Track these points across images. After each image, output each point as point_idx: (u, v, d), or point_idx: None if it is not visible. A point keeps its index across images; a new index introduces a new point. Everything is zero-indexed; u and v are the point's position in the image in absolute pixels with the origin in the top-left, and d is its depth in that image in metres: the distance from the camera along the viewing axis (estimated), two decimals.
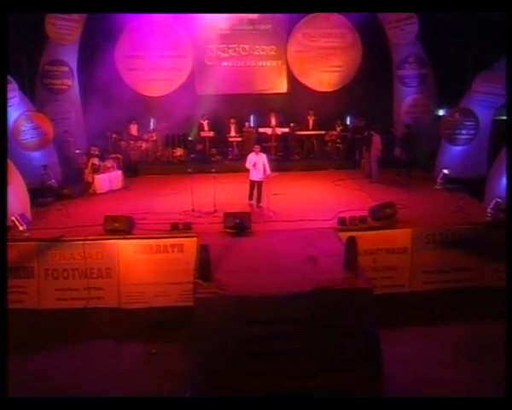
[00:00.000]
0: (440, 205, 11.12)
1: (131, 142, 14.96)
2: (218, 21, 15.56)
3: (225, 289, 7.24)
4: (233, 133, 15.39)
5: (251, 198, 11.08)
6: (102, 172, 12.70)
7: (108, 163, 12.96)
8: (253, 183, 10.99)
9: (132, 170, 14.24)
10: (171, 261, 9.35)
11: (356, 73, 16.29)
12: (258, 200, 11.01)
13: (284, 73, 16.58)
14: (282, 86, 16.65)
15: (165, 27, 15.69)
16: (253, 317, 7.05)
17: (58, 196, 11.72)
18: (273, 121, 15.31)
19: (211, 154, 15.10)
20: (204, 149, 15.15)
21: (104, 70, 14.42)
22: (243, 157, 13.46)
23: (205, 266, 7.56)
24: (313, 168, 14.71)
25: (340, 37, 16.32)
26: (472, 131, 13.23)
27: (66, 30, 14.07)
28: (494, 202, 10.13)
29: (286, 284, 7.38)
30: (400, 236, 9.69)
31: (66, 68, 14.50)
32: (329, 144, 15.48)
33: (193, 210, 10.77)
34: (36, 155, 12.87)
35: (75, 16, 13.98)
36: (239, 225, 9.47)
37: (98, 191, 12.41)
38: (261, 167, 10.80)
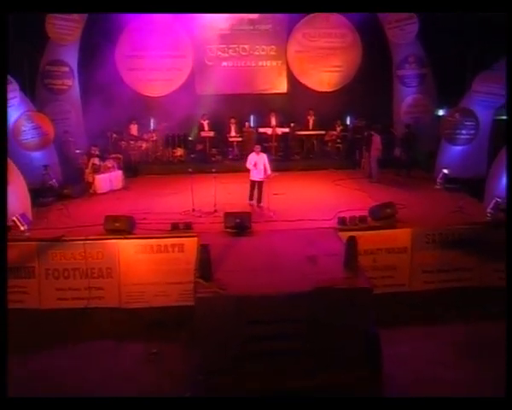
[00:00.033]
0: (440, 205, 11.13)
1: (132, 142, 14.97)
2: (218, 21, 15.57)
3: (226, 288, 7.25)
4: (233, 133, 15.41)
5: (251, 198, 11.09)
6: (103, 172, 12.72)
7: (109, 163, 12.97)
8: (253, 183, 11.01)
9: (133, 170, 14.25)
10: (172, 261, 9.36)
11: (356, 73, 16.30)
12: (259, 200, 11.03)
13: (284, 73, 16.59)
14: (282, 86, 16.67)
15: (165, 27, 15.70)
16: (253, 316, 7.06)
17: (59, 196, 11.73)
18: (273, 121, 15.33)
19: (211, 154, 15.11)
20: (204, 149, 15.17)
21: (104, 70, 14.43)
22: (243, 157, 13.49)
23: (205, 265, 7.57)
24: (313, 168, 14.72)
25: (340, 37, 16.33)
26: (472, 131, 13.25)
27: (66, 30, 14.09)
28: (494, 201, 10.15)
29: (286, 284, 7.39)
30: (400, 235, 9.71)
31: (67, 68, 14.51)
32: (329, 144, 15.50)
33: (193, 210, 10.78)
34: (36, 155, 12.89)
35: (75, 16, 13.99)
36: (239, 224, 9.48)
37: (99, 191, 12.43)
38: (262, 167, 10.82)
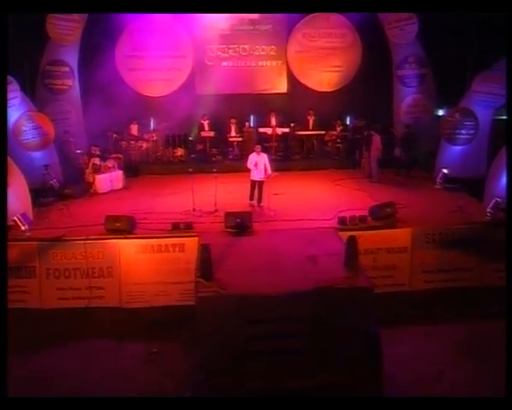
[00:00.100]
0: (440, 205, 11.14)
1: (132, 142, 14.98)
2: (219, 22, 15.59)
3: (226, 288, 7.27)
4: (233, 133, 15.42)
5: (252, 199, 11.09)
6: (103, 172, 12.73)
7: (109, 163, 12.98)
8: (253, 183, 11.02)
9: (133, 170, 14.26)
10: (172, 261, 9.38)
11: (356, 73, 16.31)
12: (259, 200, 11.04)
13: (284, 73, 16.60)
14: (282, 86, 16.68)
15: (165, 28, 15.71)
16: (254, 316, 7.08)
17: (59, 196, 11.74)
18: (273, 121, 15.33)
19: (211, 154, 15.12)
20: (204, 149, 15.18)
21: (105, 70, 14.44)
22: (244, 157, 13.51)
23: (206, 265, 7.59)
24: (313, 168, 14.72)
25: (340, 37, 16.34)
26: (471, 131, 13.27)
27: (66, 30, 14.10)
28: (494, 201, 10.16)
29: (287, 284, 7.41)
30: (400, 235, 9.72)
31: (67, 68, 14.52)
32: (329, 144, 15.50)
33: (194, 210, 10.80)
34: (37, 155, 12.89)
35: (76, 16, 14.01)
36: (240, 224, 9.49)
37: (99, 191, 12.44)
38: (262, 167, 10.84)
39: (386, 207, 9.99)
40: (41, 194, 11.45)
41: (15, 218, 9.53)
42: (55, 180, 12.41)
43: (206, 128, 15.20)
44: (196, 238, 9.20)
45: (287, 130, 15.34)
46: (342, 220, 9.81)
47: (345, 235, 8.77)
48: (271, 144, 14.95)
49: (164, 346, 8.24)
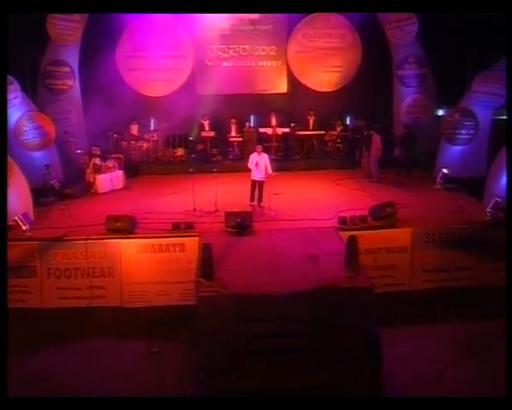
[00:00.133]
0: (440, 204, 11.16)
1: (132, 142, 15.00)
2: (219, 22, 15.62)
3: (227, 287, 7.29)
4: (233, 133, 15.45)
5: (252, 199, 11.08)
6: (104, 172, 12.75)
7: (110, 163, 13.00)
8: (254, 182, 11.04)
9: (133, 170, 14.28)
10: (173, 261, 9.39)
11: (356, 73, 16.33)
12: (260, 199, 11.06)
13: (284, 74, 16.63)
14: (282, 86, 16.70)
15: (165, 28, 15.74)
16: (254, 315, 7.10)
17: (60, 196, 11.77)
18: (273, 121, 15.36)
19: (212, 154, 15.14)
20: (205, 149, 15.21)
21: (105, 70, 14.49)
22: (244, 157, 13.55)
23: (207, 264, 7.61)
24: (313, 168, 14.74)
25: (340, 37, 16.36)
26: (471, 131, 13.30)
27: (67, 30, 14.13)
28: (493, 201, 10.19)
29: (287, 283, 7.43)
30: (400, 235, 9.74)
31: (68, 69, 14.54)
32: (329, 144, 15.53)
33: (194, 210, 10.81)
34: (38, 155, 12.91)
35: (76, 17, 14.03)
36: (240, 224, 9.51)
37: (100, 191, 12.46)
38: (263, 167, 10.86)
39: (386, 206, 10.01)
40: (42, 194, 11.47)
41: (16, 218, 9.56)
42: (55, 180, 12.43)
43: (207, 128, 15.23)
44: (197, 238, 9.22)
45: (287, 130, 15.36)
46: (342, 220, 9.83)
47: (345, 235, 8.80)
48: (271, 144, 14.97)
49: (164, 345, 8.27)
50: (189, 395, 6.97)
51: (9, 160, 9.85)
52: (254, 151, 11.09)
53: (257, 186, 11.05)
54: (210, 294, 7.22)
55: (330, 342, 7.16)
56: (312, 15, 16.06)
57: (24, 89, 12.87)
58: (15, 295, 9.21)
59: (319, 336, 7.15)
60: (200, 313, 7.18)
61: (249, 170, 11.07)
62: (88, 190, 12.55)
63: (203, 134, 15.20)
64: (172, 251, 9.41)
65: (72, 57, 14.59)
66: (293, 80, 16.57)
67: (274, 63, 16.57)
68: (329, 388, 6.91)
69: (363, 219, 9.90)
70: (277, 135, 15.19)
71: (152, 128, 15.77)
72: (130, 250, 9.40)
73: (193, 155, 15.27)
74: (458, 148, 13.50)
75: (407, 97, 15.49)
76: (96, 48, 14.80)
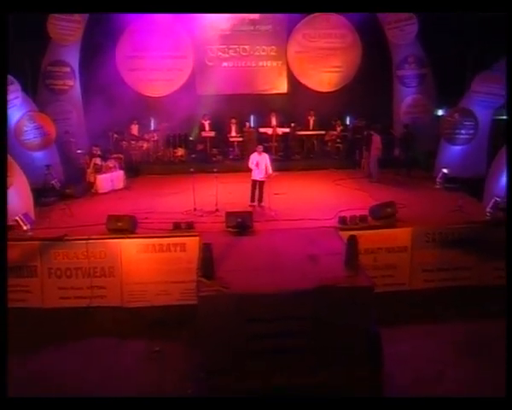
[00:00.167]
0: (440, 204, 11.18)
1: (133, 142, 15.03)
2: (219, 22, 15.66)
3: (228, 287, 7.30)
4: (234, 133, 15.48)
5: (253, 200, 11.07)
6: (104, 172, 12.77)
7: (110, 163, 13.02)
8: (254, 182, 11.05)
9: (134, 170, 14.31)
10: (174, 260, 9.41)
11: (356, 73, 16.37)
12: (260, 199, 11.07)
13: (284, 74, 16.66)
14: (282, 86, 16.74)
15: (165, 28, 15.78)
16: (255, 315, 7.11)
17: (61, 196, 11.78)
18: (274, 121, 15.39)
19: (212, 154, 15.17)
20: (205, 149, 15.24)
21: (105, 70, 14.53)
22: (244, 157, 13.57)
23: (208, 264, 7.63)
24: (314, 168, 14.77)
25: (340, 37, 16.40)
26: (471, 131, 13.32)
27: (67, 31, 14.17)
28: (493, 201, 10.21)
29: (287, 283, 7.44)
30: (400, 235, 9.76)
31: (68, 69, 14.58)
32: (329, 144, 15.56)
33: (195, 209, 10.83)
34: (38, 155, 12.93)
35: (77, 17, 14.07)
36: (241, 224, 9.52)
37: (100, 191, 12.48)
38: (263, 167, 10.88)
39: (386, 206, 10.03)
40: (42, 194, 11.49)
41: (17, 217, 9.57)
42: (56, 180, 12.45)
43: (207, 128, 15.26)
44: (197, 238, 9.23)
45: (287, 130, 15.39)
46: (343, 220, 9.85)
47: (345, 234, 8.82)
48: (272, 144, 15.00)
49: (165, 345, 8.23)
50: (189, 395, 6.98)
51: (10, 160, 9.88)
52: (255, 151, 11.11)
53: (257, 186, 11.06)
54: (211, 293, 7.23)
55: (330, 342, 7.17)
56: (312, 16, 16.09)
57: (25, 89, 12.90)
58: (16, 295, 9.24)
59: (319, 336, 7.16)
60: (201, 312, 7.19)
61: (249, 170, 11.10)
62: (88, 190, 12.58)
63: (203, 134, 15.23)
64: (173, 251, 9.43)
65: (72, 57, 14.63)
66: (293, 80, 16.60)
67: (274, 63, 16.60)
68: (329, 388, 6.93)
69: (363, 218, 9.92)
70: (277, 135, 15.22)
71: (152, 128, 15.82)
72: (130, 250, 9.42)
73: (193, 155, 15.30)
74: (458, 148, 13.53)
75: (407, 97, 15.52)
76: (97, 48, 14.86)
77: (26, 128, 12.69)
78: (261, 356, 7.13)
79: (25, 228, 9.60)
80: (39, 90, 14.20)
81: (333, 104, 15.80)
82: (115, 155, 13.76)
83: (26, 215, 9.76)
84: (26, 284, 9.40)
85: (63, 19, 13.86)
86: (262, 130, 15.31)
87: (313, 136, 15.64)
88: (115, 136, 14.95)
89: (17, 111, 12.44)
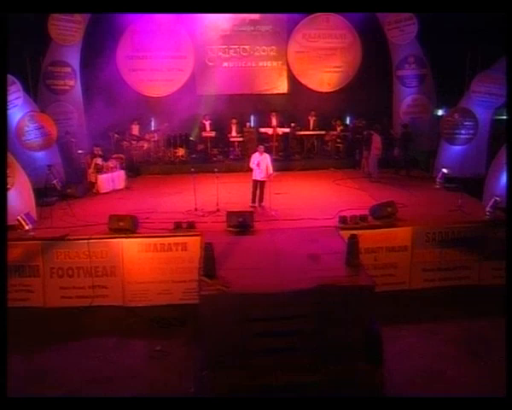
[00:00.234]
0: (440, 204, 11.22)
1: (133, 142, 15.06)
2: (220, 22, 15.72)
3: (229, 286, 7.33)
4: (234, 133, 15.53)
5: (254, 200, 11.08)
6: (105, 172, 12.80)
7: (111, 163, 13.05)
8: (255, 182, 11.07)
9: (135, 170, 14.36)
10: (175, 260, 9.44)
11: (356, 73, 16.43)
12: (261, 199, 11.10)
13: (285, 74, 16.72)
14: (282, 87, 16.80)
15: (166, 28, 15.83)
16: (256, 314, 7.14)
17: (62, 196, 11.79)
18: (274, 121, 15.43)
19: (212, 154, 15.21)
20: (206, 149, 15.29)
21: (106, 71, 14.59)
22: (244, 157, 13.62)
23: (209, 263, 7.66)
24: (314, 168, 14.83)
25: (340, 37, 16.46)
26: (471, 131, 13.38)
27: (68, 31, 14.21)
28: (493, 200, 10.24)
29: (289, 282, 7.47)
30: (401, 234, 9.80)
31: (69, 69, 14.62)
32: (330, 144, 15.60)
33: (196, 209, 10.86)
34: (40, 155, 12.94)
35: (77, 17, 14.12)
36: (242, 223, 9.56)
37: (101, 191, 12.52)
38: (264, 167, 10.90)
39: (386, 206, 10.07)
40: (44, 194, 11.49)
41: (19, 217, 9.59)
42: (57, 180, 12.42)
43: (208, 128, 15.31)
44: (199, 237, 9.27)
45: (287, 130, 15.43)
46: (343, 219, 9.88)
47: (346, 234, 8.86)
48: (272, 144, 15.02)
49: (167, 344, 8.30)
50: (191, 394, 7.01)
51: (12, 160, 9.93)
52: (256, 151, 11.13)
53: (258, 186, 11.10)
54: (212, 293, 7.25)
55: (331, 341, 7.19)
56: (312, 16, 16.15)
57: (26, 89, 12.91)
58: (18, 295, 9.29)
59: (320, 334, 7.19)
60: (202, 311, 7.22)
61: (250, 170, 11.13)
62: (90, 189, 12.63)
63: (204, 134, 15.29)
64: (174, 250, 9.46)
65: (73, 58, 14.66)
66: (293, 80, 16.66)
67: (274, 63, 16.66)
68: (330, 386, 6.95)
69: (363, 218, 9.95)
70: (278, 135, 15.25)
71: (153, 128, 15.87)
72: (132, 250, 9.45)
73: (194, 155, 15.34)
74: (458, 148, 13.57)
75: (407, 97, 15.57)
76: (97, 48, 14.89)
77: (27, 128, 12.71)
78: (262, 355, 7.15)
79: (27, 228, 9.62)
80: (40, 91, 14.22)
81: (333, 104, 15.86)
82: (116, 155, 13.78)
83: (27, 215, 9.78)
84: (27, 283, 9.42)
85: (64, 19, 13.90)
86: (262, 130, 15.35)
87: (313, 136, 15.69)
88: (116, 136, 14.98)
89: (18, 111, 12.46)
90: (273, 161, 11.72)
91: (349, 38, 16.40)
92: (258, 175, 10.97)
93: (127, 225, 9.50)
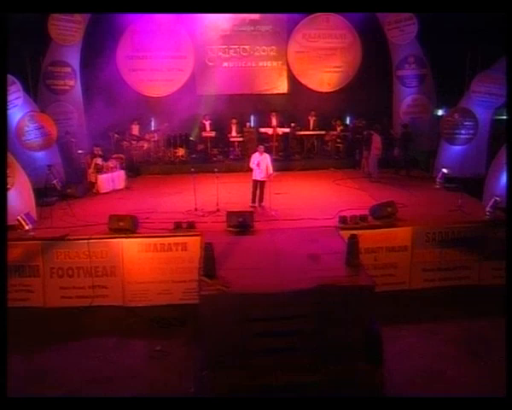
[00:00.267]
0: (440, 204, 11.22)
1: (133, 142, 15.06)
2: (220, 22, 15.73)
3: (229, 286, 7.33)
4: (234, 133, 15.54)
5: (254, 201, 11.08)
6: (105, 172, 12.80)
7: (111, 163, 13.05)
8: (255, 182, 11.07)
9: (135, 170, 14.36)
10: (175, 260, 9.45)
11: (356, 73, 16.44)
12: (261, 199, 11.10)
13: (285, 74, 16.72)
14: (282, 86, 16.80)
15: (166, 28, 15.84)
16: (256, 314, 7.14)
17: (62, 196, 11.79)
18: (274, 121, 15.43)
19: (212, 154, 15.22)
20: (206, 149, 15.29)
21: (106, 71, 14.59)
22: (244, 157, 13.62)
23: (209, 263, 7.66)
24: (314, 168, 14.83)
25: (340, 37, 16.47)
26: (471, 131, 13.38)
27: (68, 31, 14.22)
28: (493, 200, 10.24)
29: (289, 282, 7.47)
30: (401, 234, 9.80)
31: (69, 69, 14.62)
32: (330, 144, 15.61)
33: (196, 209, 10.86)
34: (40, 155, 12.94)
35: (77, 17, 14.13)
36: (242, 223, 9.56)
37: (101, 191, 12.53)
38: (264, 167, 10.90)
39: (386, 206, 10.07)
40: (44, 194, 11.49)
41: (19, 217, 9.59)
42: (57, 180, 12.42)
43: (208, 128, 15.31)
44: (198, 237, 9.27)
45: (287, 130, 15.43)
46: (343, 219, 9.88)
47: (346, 234, 8.86)
48: (272, 144, 15.02)
49: (167, 344, 8.30)
50: (191, 394, 7.02)
51: (12, 160, 9.93)
52: (256, 151, 11.13)
53: (258, 186, 11.09)
54: (212, 293, 7.25)
55: (331, 341, 7.19)
56: (312, 16, 16.16)
57: (26, 89, 12.91)
58: (18, 295, 9.29)
59: (320, 334, 7.19)
60: (203, 311, 7.22)
61: (250, 170, 11.13)
62: (90, 189, 12.64)
63: (204, 134, 15.30)
64: (174, 250, 9.46)
65: (73, 58, 14.67)
66: (293, 80, 16.67)
67: (274, 63, 16.67)
68: (330, 386, 6.95)
69: (363, 218, 9.95)
70: (278, 135, 15.26)
71: (153, 128, 15.88)
72: (132, 250, 9.45)
73: (194, 155, 15.35)
74: (458, 148, 13.58)
75: (407, 97, 15.58)
76: (97, 48, 14.89)
77: (27, 128, 12.71)
78: (262, 355, 7.15)
79: (27, 228, 9.62)
80: (40, 91, 14.22)
81: (333, 104, 15.87)
82: (116, 155, 13.79)
83: (27, 215, 9.78)
84: (28, 283, 9.43)
85: (64, 19, 13.91)
86: (262, 130, 15.36)
87: (313, 136, 15.69)
88: (116, 136, 14.98)
89: (18, 111, 12.46)
90: (273, 161, 11.72)
91: (349, 38, 16.41)
92: (258, 175, 10.97)
93: (127, 225, 9.50)
